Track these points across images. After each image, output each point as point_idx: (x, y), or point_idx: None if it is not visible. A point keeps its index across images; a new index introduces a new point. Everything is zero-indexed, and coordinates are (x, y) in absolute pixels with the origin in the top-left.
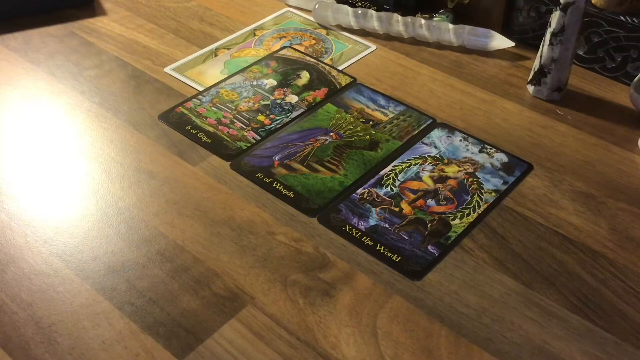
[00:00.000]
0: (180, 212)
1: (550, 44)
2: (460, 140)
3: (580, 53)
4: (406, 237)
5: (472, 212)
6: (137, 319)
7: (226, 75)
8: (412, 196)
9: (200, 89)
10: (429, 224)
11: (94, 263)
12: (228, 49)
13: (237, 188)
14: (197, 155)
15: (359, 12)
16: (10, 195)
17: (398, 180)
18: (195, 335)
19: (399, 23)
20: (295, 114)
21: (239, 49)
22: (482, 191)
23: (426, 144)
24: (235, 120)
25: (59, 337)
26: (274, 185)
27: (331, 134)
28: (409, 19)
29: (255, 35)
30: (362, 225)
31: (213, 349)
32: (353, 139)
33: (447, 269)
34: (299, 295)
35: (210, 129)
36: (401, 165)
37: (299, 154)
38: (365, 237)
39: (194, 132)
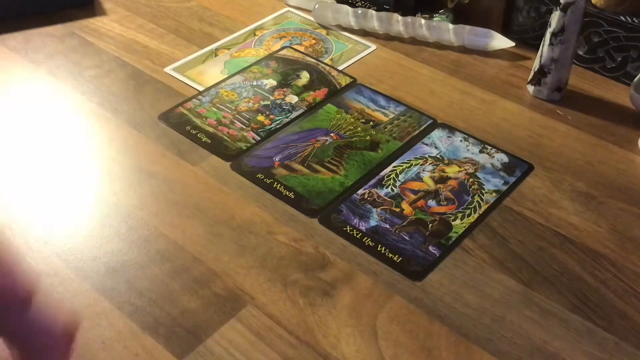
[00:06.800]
0: (180, 212)
1: (550, 44)
2: (461, 141)
3: (580, 53)
4: (407, 238)
5: (472, 212)
6: (137, 319)
7: (226, 76)
8: (413, 197)
9: (200, 89)
10: (430, 225)
11: (94, 263)
12: (228, 49)
13: (237, 188)
14: (197, 155)
15: (359, 12)
16: (11, 196)
17: (399, 180)
18: (195, 335)
19: (399, 23)
20: (295, 114)
21: (239, 49)
22: (483, 191)
23: (427, 145)
24: (235, 121)
25: None
26: (275, 186)
27: (331, 134)
28: (409, 19)
29: (255, 35)
30: (363, 226)
31: (213, 349)
32: (353, 139)
33: (447, 269)
34: (299, 295)
35: (210, 129)
36: (402, 166)
37: (299, 155)
38: (366, 238)
39: (194, 132)
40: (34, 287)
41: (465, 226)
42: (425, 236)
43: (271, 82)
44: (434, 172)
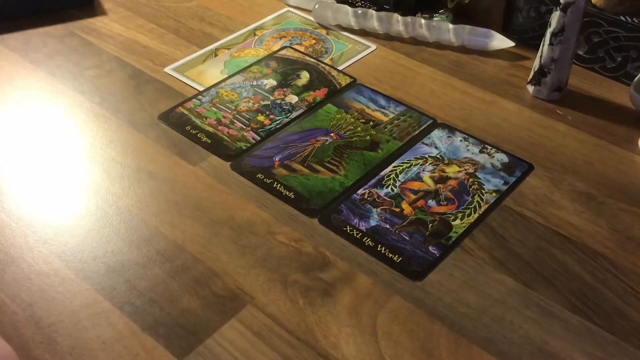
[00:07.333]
0: (180, 212)
1: (550, 44)
2: (461, 141)
3: (580, 53)
4: (407, 238)
5: (472, 212)
6: (137, 319)
7: (226, 76)
8: (413, 197)
9: (200, 89)
10: (430, 225)
11: (94, 263)
12: (228, 49)
13: (237, 188)
14: (197, 155)
15: (359, 12)
16: (10, 195)
17: (399, 180)
18: (195, 335)
19: (399, 23)
20: (295, 114)
21: (239, 49)
22: (483, 191)
23: (427, 145)
24: (235, 121)
25: (59, 337)
26: (275, 186)
27: (331, 134)
28: (409, 19)
29: (255, 35)
30: (363, 226)
31: (213, 349)
32: (353, 139)
33: (447, 269)
34: (299, 295)
35: (210, 129)
36: (402, 166)
37: (299, 155)
38: (366, 238)
39: (193, 132)
40: None
41: (465, 226)
42: (425, 236)
43: (271, 82)
44: (434, 172)
